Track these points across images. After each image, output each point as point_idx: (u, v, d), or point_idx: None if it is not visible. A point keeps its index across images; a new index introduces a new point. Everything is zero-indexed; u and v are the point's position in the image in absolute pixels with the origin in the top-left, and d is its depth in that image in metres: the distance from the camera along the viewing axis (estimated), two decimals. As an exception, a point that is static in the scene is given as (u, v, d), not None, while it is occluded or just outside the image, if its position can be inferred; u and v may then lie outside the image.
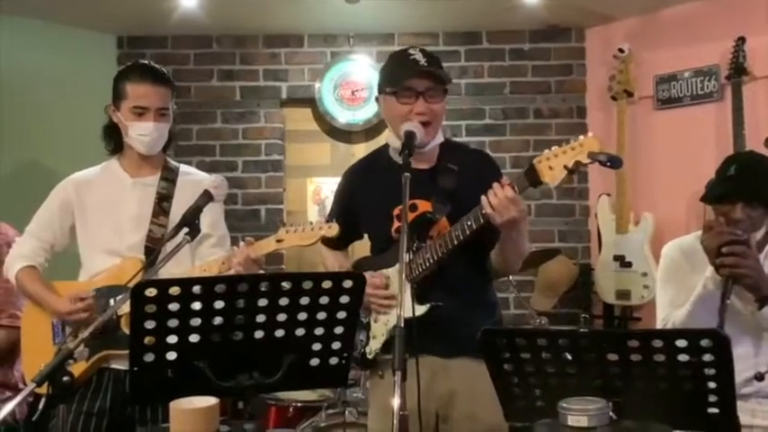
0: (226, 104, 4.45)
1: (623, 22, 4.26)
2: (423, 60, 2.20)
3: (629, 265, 3.93)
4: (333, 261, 2.48)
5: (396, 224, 2.21)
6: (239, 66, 4.45)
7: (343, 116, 4.43)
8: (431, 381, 2.11)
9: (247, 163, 4.45)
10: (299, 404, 3.24)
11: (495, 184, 1.99)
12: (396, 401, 1.58)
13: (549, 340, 1.61)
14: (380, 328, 2.23)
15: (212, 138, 4.43)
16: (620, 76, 4.09)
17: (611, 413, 1.53)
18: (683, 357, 1.53)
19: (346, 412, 3.07)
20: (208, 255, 2.42)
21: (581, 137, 1.95)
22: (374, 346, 2.24)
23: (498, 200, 1.97)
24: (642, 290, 3.89)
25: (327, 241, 2.36)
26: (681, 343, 1.53)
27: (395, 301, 2.18)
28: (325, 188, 4.50)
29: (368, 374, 2.95)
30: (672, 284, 2.34)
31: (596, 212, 4.14)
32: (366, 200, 2.34)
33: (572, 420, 1.49)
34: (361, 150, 4.50)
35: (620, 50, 4.08)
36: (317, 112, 4.46)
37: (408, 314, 2.06)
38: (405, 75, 2.19)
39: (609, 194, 4.09)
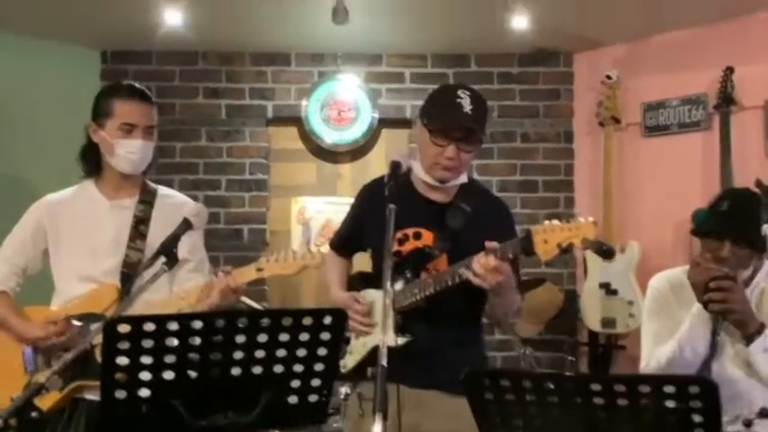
0: (211, 122, 4.39)
1: (611, 47, 4.27)
2: (468, 108, 2.15)
3: (614, 292, 3.91)
4: (333, 276, 2.46)
5: (395, 247, 2.21)
6: (225, 83, 4.41)
7: (330, 136, 4.40)
8: (397, 411, 2.08)
9: (231, 182, 4.40)
10: None
11: (480, 255, 2.01)
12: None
13: (534, 383, 1.58)
14: (358, 346, 2.24)
15: (196, 156, 4.38)
16: (607, 102, 4.09)
17: (596, 459, 1.49)
18: (670, 403, 1.50)
19: (326, 442, 3.02)
20: (186, 280, 2.36)
21: (581, 219, 1.99)
22: (350, 362, 2.24)
23: (481, 268, 1.99)
24: (627, 318, 3.86)
25: (334, 246, 2.44)
26: (668, 389, 1.49)
27: (372, 327, 2.21)
28: (310, 208, 4.45)
29: (347, 405, 2.93)
30: (658, 317, 2.31)
31: (582, 239, 4.11)
32: (373, 217, 2.30)
33: (557, 468, 1.45)
34: (347, 170, 4.47)
35: (608, 77, 4.08)
36: (304, 131, 4.42)
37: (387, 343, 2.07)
38: (445, 118, 2.16)
39: (595, 222, 4.06)
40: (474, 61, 4.43)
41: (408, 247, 2.22)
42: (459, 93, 2.19)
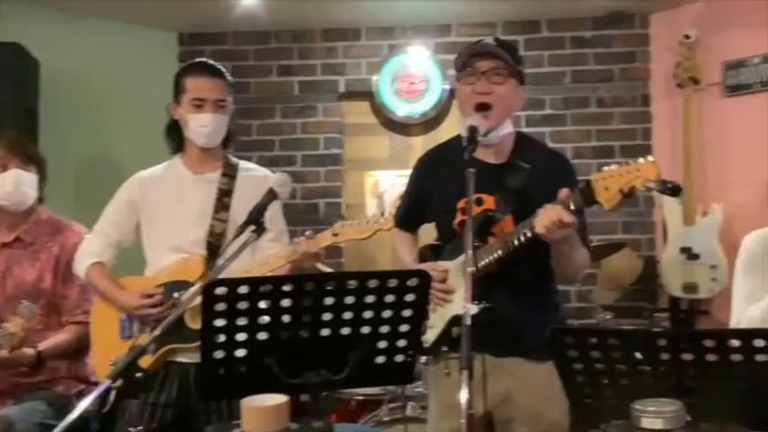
0: (285, 99, 4.48)
1: (690, 6, 4.13)
2: (490, 41, 2.20)
3: (696, 257, 3.83)
4: (404, 251, 2.45)
5: (459, 217, 2.19)
6: (298, 60, 4.48)
7: (402, 109, 4.43)
8: (482, 379, 2.11)
9: (306, 157, 4.48)
10: (360, 398, 3.25)
11: (548, 206, 1.96)
12: (463, 399, 1.58)
13: (621, 339, 1.58)
14: (437, 319, 2.23)
15: (272, 133, 4.48)
16: (686, 62, 3.97)
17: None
18: (761, 357, 1.48)
19: (408, 406, 3.07)
20: (266, 249, 2.44)
21: (640, 159, 1.88)
22: (431, 336, 2.23)
23: (550, 221, 1.94)
24: (710, 283, 3.78)
25: (400, 222, 2.40)
26: (759, 343, 1.47)
27: (451, 295, 2.19)
28: (384, 181, 4.50)
29: (430, 369, 2.97)
30: (750, 276, 2.25)
31: (662, 203, 4.04)
32: (434, 189, 2.33)
33: (646, 423, 1.45)
34: (419, 143, 4.49)
35: (687, 36, 3.96)
36: (375, 105, 4.46)
37: (461, 311, 2.08)
38: (468, 55, 2.20)
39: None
40: (545, 27, 4.37)
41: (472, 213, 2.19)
42: (482, 38, 2.25)
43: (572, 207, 1.94)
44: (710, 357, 1.51)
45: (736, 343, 1.49)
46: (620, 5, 4.17)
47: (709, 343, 1.51)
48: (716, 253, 3.78)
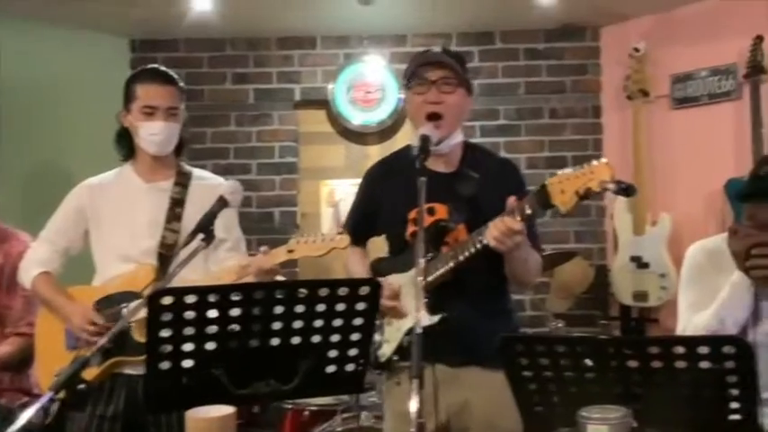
0: (239, 107, 4.45)
1: (639, 20, 4.22)
2: (437, 50, 2.22)
3: (646, 266, 3.90)
4: (353, 262, 2.43)
5: (411, 228, 2.18)
6: (253, 68, 4.45)
7: (357, 118, 4.42)
8: (437, 390, 2.12)
9: (261, 165, 4.45)
10: (314, 408, 3.22)
11: (498, 219, 1.97)
12: (413, 408, 1.58)
13: (569, 347, 1.59)
14: (393, 332, 2.22)
15: (226, 141, 4.44)
16: (635, 75, 4.05)
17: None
18: (704, 364, 1.51)
19: (362, 416, 3.06)
20: (224, 259, 2.42)
21: (594, 162, 1.88)
22: (387, 350, 2.22)
23: (500, 232, 1.95)
24: (660, 291, 3.85)
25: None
26: (703, 350, 1.50)
27: (401, 311, 2.18)
28: (340, 190, 4.49)
29: (384, 379, 2.96)
30: (696, 286, 2.29)
31: (612, 213, 4.11)
32: (384, 200, 2.32)
33: (592, 429, 1.46)
34: (375, 152, 4.49)
35: (636, 49, 4.05)
36: (331, 113, 4.45)
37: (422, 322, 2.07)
38: (418, 64, 2.21)
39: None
40: (499, 38, 4.42)
41: (424, 224, 2.18)
42: (429, 48, 2.27)
43: (528, 212, 1.95)
44: (656, 364, 1.54)
45: (680, 350, 1.52)
46: (571, 18, 4.24)
47: (654, 350, 1.53)
48: (665, 262, 3.86)
